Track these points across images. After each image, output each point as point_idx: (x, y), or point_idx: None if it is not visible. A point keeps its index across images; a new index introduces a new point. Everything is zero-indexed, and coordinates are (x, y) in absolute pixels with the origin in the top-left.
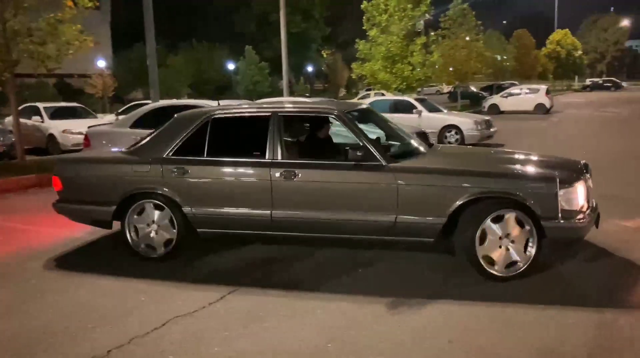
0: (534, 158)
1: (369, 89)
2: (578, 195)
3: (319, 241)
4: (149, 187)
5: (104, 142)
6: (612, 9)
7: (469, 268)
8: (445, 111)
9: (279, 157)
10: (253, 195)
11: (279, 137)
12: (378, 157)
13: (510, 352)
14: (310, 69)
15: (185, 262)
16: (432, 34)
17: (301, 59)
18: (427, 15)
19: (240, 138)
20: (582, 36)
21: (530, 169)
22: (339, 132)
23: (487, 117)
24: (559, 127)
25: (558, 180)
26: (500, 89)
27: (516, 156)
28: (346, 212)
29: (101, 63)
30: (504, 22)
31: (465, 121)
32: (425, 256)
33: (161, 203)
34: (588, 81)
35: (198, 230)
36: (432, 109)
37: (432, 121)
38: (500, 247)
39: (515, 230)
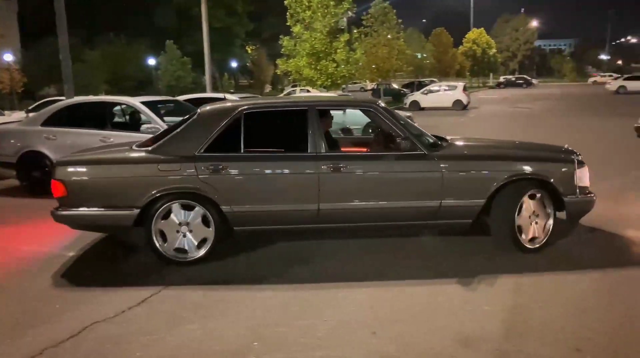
0: (539, 145)
1: (295, 86)
2: (587, 175)
3: (363, 229)
4: (180, 187)
5: (12, 141)
6: (522, 10)
7: (397, 251)
8: None
9: (323, 150)
10: (299, 189)
11: (320, 130)
12: (421, 147)
13: (429, 338)
14: (234, 64)
15: (108, 264)
16: (355, 31)
17: (225, 54)
18: (349, 12)
19: (277, 133)
20: (496, 35)
21: (550, 154)
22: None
23: (409, 114)
24: (476, 122)
25: (576, 162)
26: (421, 86)
27: (524, 144)
28: (394, 200)
29: (8, 57)
30: (424, 21)
31: None
32: (357, 244)
33: (194, 203)
34: (502, 79)
35: (235, 228)
36: None
37: (357, 117)
38: (530, 223)
39: (540, 208)
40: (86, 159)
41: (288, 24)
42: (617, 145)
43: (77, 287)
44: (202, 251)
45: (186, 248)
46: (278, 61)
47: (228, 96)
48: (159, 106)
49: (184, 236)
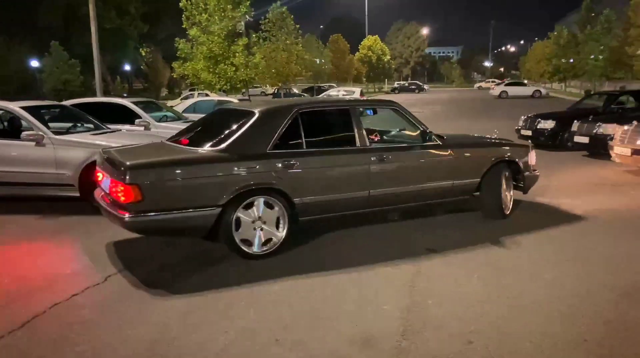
0: (498, 136)
1: (193, 89)
2: (535, 156)
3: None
4: (258, 183)
5: None
6: (413, 19)
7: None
8: None
9: (367, 144)
10: (354, 179)
11: (362, 126)
12: (436, 139)
13: (330, 341)
14: (128, 67)
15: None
16: (254, 35)
17: (118, 56)
18: (247, 16)
19: (328, 129)
20: (390, 42)
21: (513, 141)
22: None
23: None
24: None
25: (530, 147)
26: (320, 91)
27: (490, 135)
28: (424, 182)
29: None
30: (321, 27)
31: None
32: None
33: (271, 197)
34: (396, 84)
35: (301, 218)
36: None
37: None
38: (506, 195)
39: (508, 183)
40: (160, 161)
41: (184, 26)
42: None
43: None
44: (273, 244)
45: (263, 241)
46: (174, 64)
47: (122, 100)
48: (42, 111)
49: (261, 230)
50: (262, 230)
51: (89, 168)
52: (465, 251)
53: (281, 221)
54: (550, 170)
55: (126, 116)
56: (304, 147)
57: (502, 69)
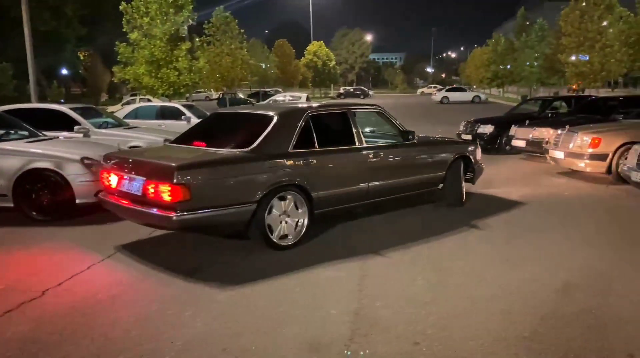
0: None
1: (134, 94)
2: (480, 152)
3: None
4: (286, 180)
5: None
6: (357, 26)
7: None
8: None
9: (364, 143)
10: (357, 174)
11: (359, 128)
12: (413, 138)
13: (279, 348)
14: (65, 71)
15: None
16: (197, 40)
17: (54, 60)
18: (190, 20)
19: (332, 130)
20: (335, 48)
21: (466, 140)
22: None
23: None
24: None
25: (477, 144)
26: (266, 96)
27: (444, 136)
28: (409, 176)
29: None
30: (266, 32)
31: None
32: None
33: (295, 193)
34: (342, 89)
35: (316, 211)
36: (201, 115)
37: None
38: (462, 183)
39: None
40: (203, 161)
41: (124, 30)
42: None
43: None
44: (297, 236)
45: (288, 233)
46: (114, 69)
47: (59, 106)
48: None
49: (286, 223)
50: (286, 222)
51: (24, 177)
52: (410, 253)
53: (303, 215)
54: (490, 172)
55: (64, 123)
56: (316, 146)
57: (443, 75)
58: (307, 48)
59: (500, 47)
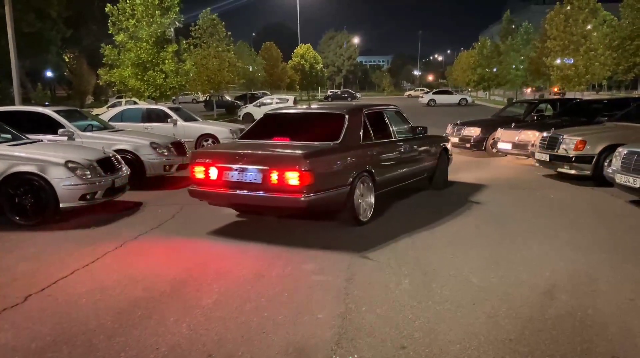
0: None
1: (120, 97)
2: (450, 144)
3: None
4: (365, 167)
5: None
6: (344, 27)
7: None
8: (200, 120)
9: (396, 136)
10: (396, 162)
11: (392, 124)
12: (422, 132)
13: (265, 354)
14: (50, 74)
15: None
16: (184, 42)
17: (39, 62)
18: (177, 23)
19: (377, 126)
20: (322, 51)
21: (442, 135)
22: None
23: (242, 126)
24: None
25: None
26: (254, 98)
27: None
28: (421, 163)
29: None
30: (253, 34)
31: (221, 130)
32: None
33: (367, 177)
34: (329, 92)
35: (376, 192)
36: (188, 118)
37: (188, 130)
38: None
39: None
40: (320, 149)
41: (110, 31)
42: None
43: None
44: (370, 212)
45: (363, 211)
46: (100, 71)
47: (43, 109)
48: None
49: (362, 202)
50: (362, 202)
51: (6, 181)
52: (397, 256)
53: (371, 196)
54: (475, 175)
55: (48, 126)
56: (373, 139)
57: (431, 78)
58: (295, 51)
59: (486, 50)
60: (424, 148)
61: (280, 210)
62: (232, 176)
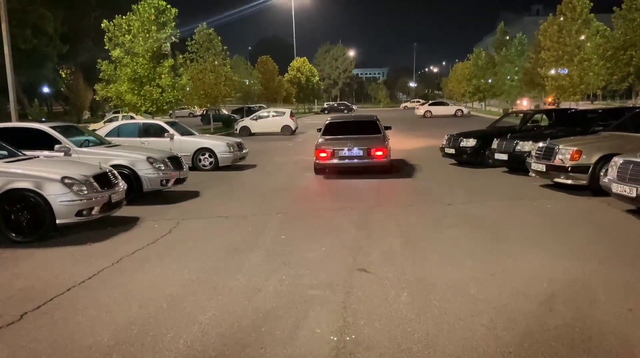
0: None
1: (117, 112)
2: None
3: None
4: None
5: None
6: (340, 41)
7: None
8: (197, 134)
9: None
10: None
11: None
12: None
13: None
14: (47, 89)
15: None
16: (180, 56)
17: (35, 78)
18: (173, 37)
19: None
20: (318, 64)
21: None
22: None
23: (238, 140)
24: (302, 146)
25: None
26: (250, 112)
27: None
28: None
29: None
30: (249, 48)
31: (218, 144)
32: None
33: None
34: (325, 104)
35: None
36: (185, 132)
37: (185, 144)
38: None
39: None
40: (382, 138)
41: (106, 47)
42: (429, 162)
43: None
44: None
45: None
46: (97, 86)
47: (39, 125)
48: None
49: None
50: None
51: (2, 198)
52: (394, 268)
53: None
54: (472, 185)
55: (45, 142)
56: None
57: (427, 90)
58: (291, 64)
59: (481, 62)
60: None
61: (373, 168)
62: (344, 153)
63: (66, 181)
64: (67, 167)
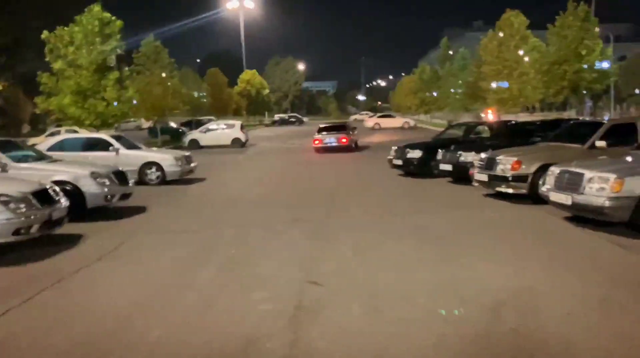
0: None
1: (59, 125)
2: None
3: None
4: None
5: None
6: (290, 55)
7: None
8: (144, 147)
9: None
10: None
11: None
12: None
13: None
14: None
15: None
16: (127, 69)
17: None
18: (118, 50)
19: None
20: (268, 76)
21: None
22: None
23: (187, 153)
24: (253, 159)
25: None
26: (199, 124)
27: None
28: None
29: None
30: (198, 60)
31: (166, 158)
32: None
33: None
34: (276, 117)
35: None
36: (131, 146)
37: (131, 158)
38: None
39: None
40: (350, 133)
41: (47, 59)
42: (378, 172)
43: None
44: None
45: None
46: (37, 99)
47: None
48: None
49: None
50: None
51: None
52: (345, 279)
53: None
54: (418, 195)
55: None
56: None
57: (379, 103)
58: (240, 76)
59: (426, 76)
60: None
61: (341, 148)
62: (327, 141)
63: (2, 198)
64: (2, 184)
